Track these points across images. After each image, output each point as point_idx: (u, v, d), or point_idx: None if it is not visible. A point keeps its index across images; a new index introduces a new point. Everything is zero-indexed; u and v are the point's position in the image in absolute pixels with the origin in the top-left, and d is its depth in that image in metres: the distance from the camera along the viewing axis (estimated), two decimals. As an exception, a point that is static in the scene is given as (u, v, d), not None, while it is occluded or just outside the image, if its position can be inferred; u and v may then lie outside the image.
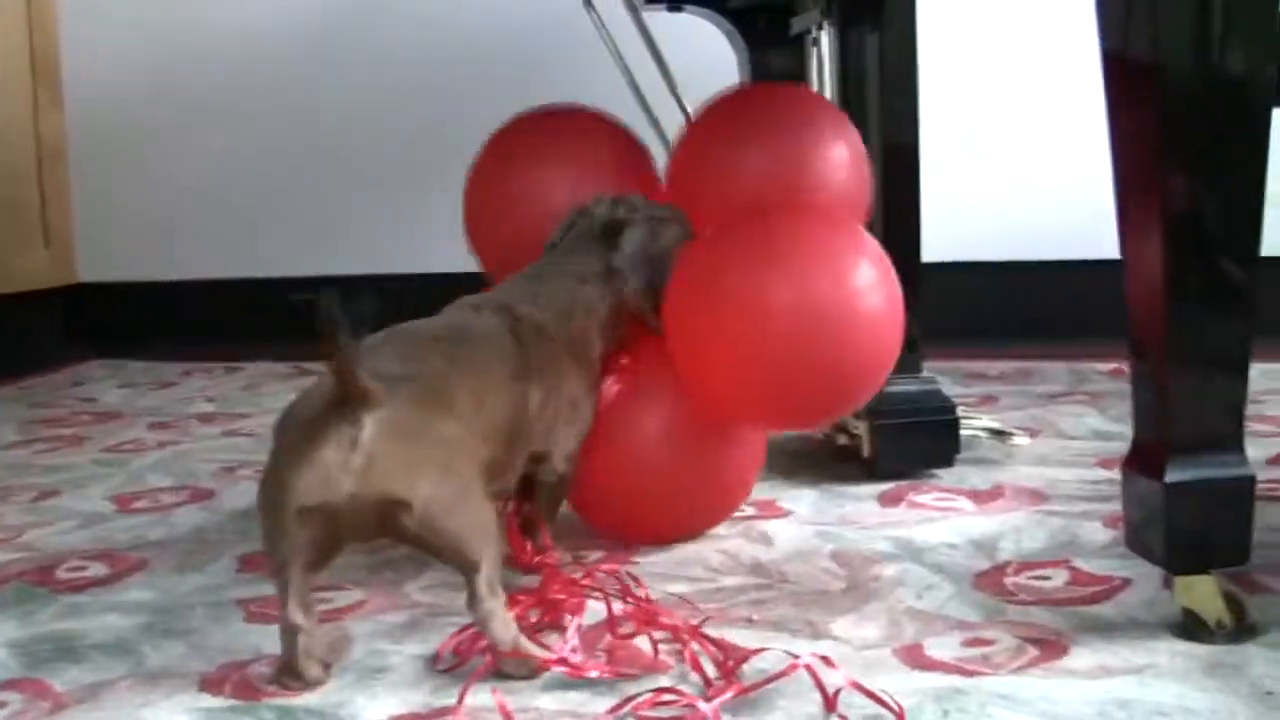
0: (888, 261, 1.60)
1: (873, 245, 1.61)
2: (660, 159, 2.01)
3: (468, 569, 1.30)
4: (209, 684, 1.32)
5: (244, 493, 2.07)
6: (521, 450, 1.53)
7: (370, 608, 1.53)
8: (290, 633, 1.31)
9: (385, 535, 1.31)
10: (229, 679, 1.33)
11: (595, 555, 1.65)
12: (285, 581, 1.30)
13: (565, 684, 1.28)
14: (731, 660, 1.30)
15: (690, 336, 1.61)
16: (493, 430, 1.44)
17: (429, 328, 1.50)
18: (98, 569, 1.72)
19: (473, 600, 1.30)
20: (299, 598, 1.31)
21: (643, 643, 1.37)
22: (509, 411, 1.48)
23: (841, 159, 1.73)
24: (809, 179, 1.71)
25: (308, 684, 1.30)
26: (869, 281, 1.57)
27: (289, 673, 1.31)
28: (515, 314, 1.57)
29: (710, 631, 1.37)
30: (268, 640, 1.41)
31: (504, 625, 1.30)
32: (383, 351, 1.38)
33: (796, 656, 1.28)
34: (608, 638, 1.37)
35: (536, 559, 1.60)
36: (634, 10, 2.16)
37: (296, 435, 1.29)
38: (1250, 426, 1.77)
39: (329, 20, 3.70)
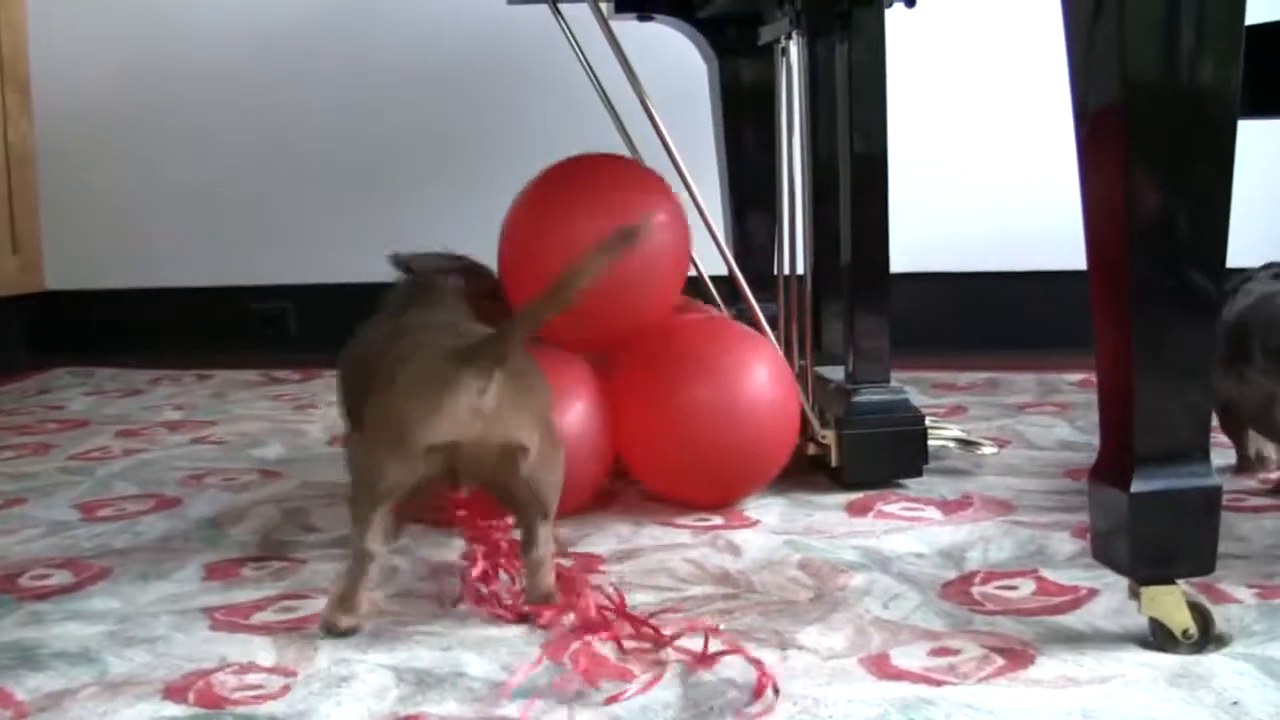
0: (679, 204, 1.95)
1: (670, 192, 1.95)
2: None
3: (541, 515, 1.49)
4: (172, 692, 1.31)
5: (211, 501, 2.06)
6: None
7: (336, 616, 1.52)
8: (362, 559, 1.45)
9: (495, 477, 1.47)
10: (193, 687, 1.32)
11: (565, 563, 1.64)
12: (369, 517, 1.44)
13: (529, 692, 1.27)
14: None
15: (519, 267, 1.91)
16: None
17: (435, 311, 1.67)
18: (62, 577, 1.71)
19: (532, 544, 1.49)
20: (379, 530, 1.45)
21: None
22: None
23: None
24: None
25: (357, 621, 1.45)
26: (662, 220, 1.89)
27: (342, 607, 1.45)
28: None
29: (678, 642, 1.38)
30: (233, 648, 1.41)
31: (550, 574, 1.50)
32: (446, 324, 1.56)
33: (765, 671, 1.29)
34: (574, 645, 1.37)
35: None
36: (603, 19, 2.15)
37: (426, 384, 1.41)
38: (1217, 437, 1.77)
39: (302, 28, 3.70)
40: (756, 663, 1.32)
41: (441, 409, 1.40)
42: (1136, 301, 1.27)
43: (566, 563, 1.64)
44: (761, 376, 1.89)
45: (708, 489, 1.92)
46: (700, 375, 1.88)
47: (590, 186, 1.93)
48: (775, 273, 2.32)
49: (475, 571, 1.57)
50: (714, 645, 1.36)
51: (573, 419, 1.81)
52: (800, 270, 2.18)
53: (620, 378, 1.91)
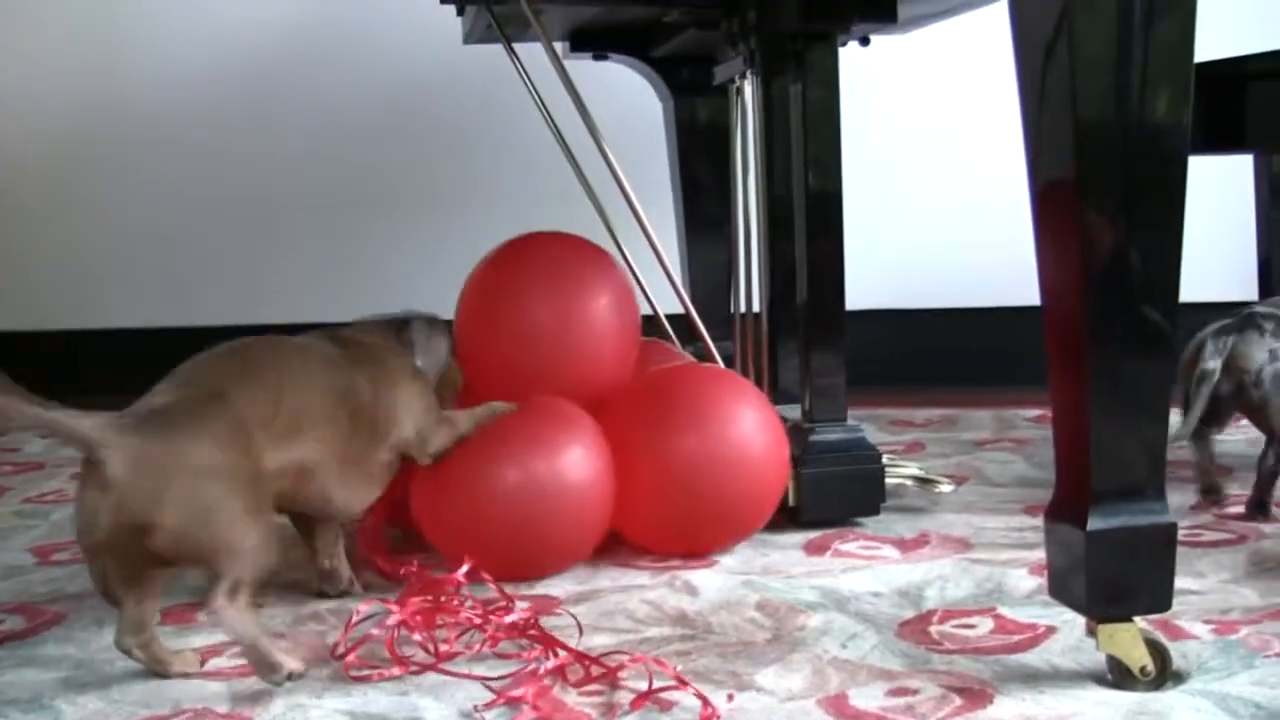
0: (628, 285, 1.98)
1: (617, 271, 1.98)
2: (585, 208, 2.02)
3: (213, 576, 1.39)
4: (126, 740, 1.31)
5: (165, 544, 2.05)
6: (379, 439, 1.69)
7: (291, 661, 1.51)
8: (125, 652, 1.45)
9: (148, 558, 1.40)
10: (146, 735, 1.31)
11: (521, 604, 1.63)
12: (115, 606, 1.44)
13: (488, 737, 1.27)
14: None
15: (475, 347, 1.93)
16: (310, 420, 1.59)
17: (239, 343, 1.63)
18: (15, 622, 1.70)
19: (209, 597, 1.38)
20: (126, 621, 1.44)
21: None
22: (331, 398, 1.63)
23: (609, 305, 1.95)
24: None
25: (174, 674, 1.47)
26: (607, 302, 1.92)
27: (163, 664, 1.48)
28: (334, 334, 1.74)
29: (634, 683, 1.37)
30: (187, 694, 1.40)
31: (240, 623, 1.38)
32: (167, 382, 1.52)
33: (708, 701, 1.29)
34: (529, 691, 1.36)
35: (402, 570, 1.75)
36: (558, 59, 2.15)
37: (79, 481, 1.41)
38: (1173, 473, 1.78)
39: (258, 70, 3.69)
40: (701, 697, 1.32)
41: (78, 508, 1.39)
42: (1090, 338, 1.28)
43: (525, 604, 1.64)
44: (750, 424, 1.87)
45: (694, 539, 1.89)
46: (687, 424, 1.85)
47: (540, 267, 1.94)
48: (731, 311, 2.32)
49: (390, 621, 1.54)
50: (664, 682, 1.36)
51: (572, 472, 1.78)
52: (756, 308, 2.18)
53: (605, 428, 1.87)
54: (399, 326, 1.81)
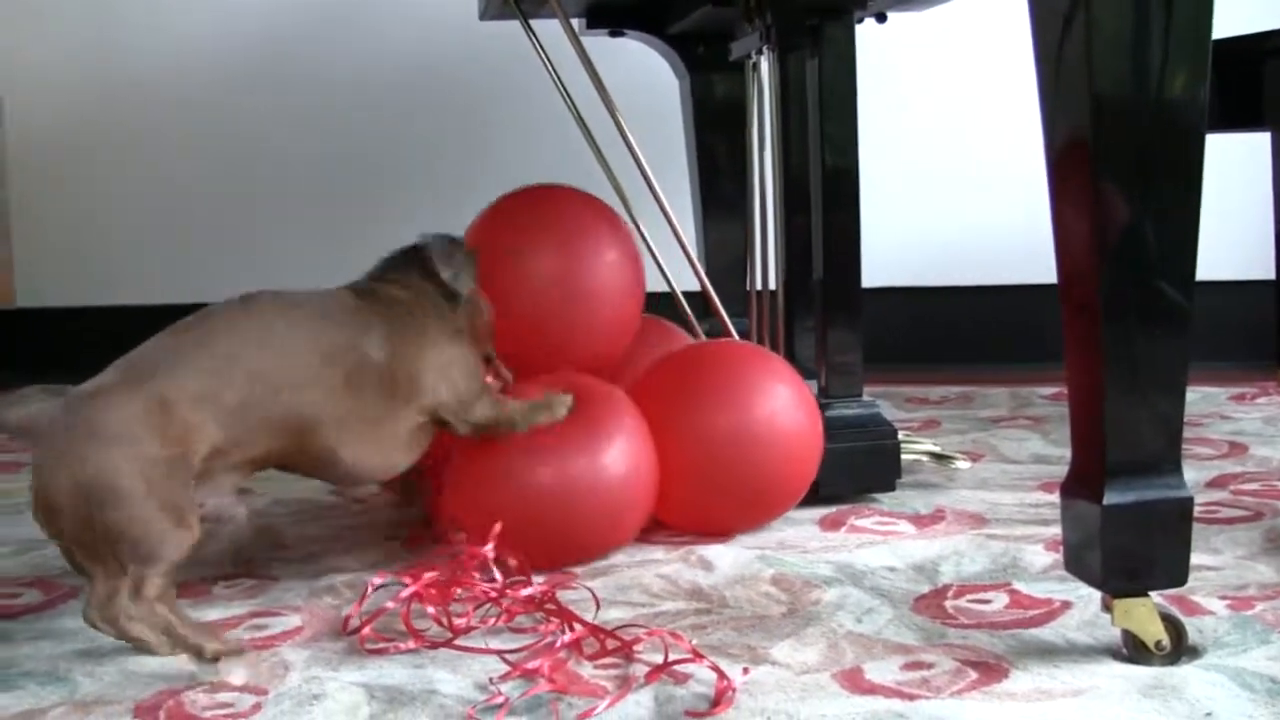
0: (630, 240, 1.97)
1: (620, 224, 1.97)
2: (602, 185, 2.02)
3: (121, 568, 1.37)
4: (143, 711, 1.30)
5: (182, 519, 2.05)
6: (400, 400, 1.61)
7: (307, 634, 1.51)
8: (91, 626, 1.40)
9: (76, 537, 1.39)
10: (163, 705, 1.31)
11: (537, 578, 1.64)
12: (85, 578, 1.42)
13: (500, 709, 1.27)
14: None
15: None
16: (289, 378, 1.53)
17: (211, 309, 1.63)
18: (32, 595, 1.70)
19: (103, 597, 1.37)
20: (94, 593, 1.39)
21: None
22: (314, 357, 1.55)
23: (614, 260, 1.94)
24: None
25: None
26: (614, 257, 1.92)
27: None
28: (366, 286, 1.72)
29: (649, 657, 1.38)
30: (203, 666, 1.40)
31: (149, 624, 1.37)
32: (111, 367, 1.53)
33: (723, 674, 1.29)
34: (545, 664, 1.36)
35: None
36: (574, 35, 2.15)
37: None
38: (1189, 449, 1.77)
39: (269, 44, 3.69)
40: (716, 670, 1.32)
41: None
42: (1106, 315, 1.27)
43: (541, 578, 1.64)
44: (784, 401, 1.85)
45: (727, 520, 1.87)
46: (720, 403, 1.83)
47: (541, 219, 1.94)
48: (747, 287, 2.32)
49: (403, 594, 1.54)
50: (679, 655, 1.36)
51: (613, 460, 1.74)
52: (772, 285, 2.18)
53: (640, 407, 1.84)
54: (420, 261, 1.74)
